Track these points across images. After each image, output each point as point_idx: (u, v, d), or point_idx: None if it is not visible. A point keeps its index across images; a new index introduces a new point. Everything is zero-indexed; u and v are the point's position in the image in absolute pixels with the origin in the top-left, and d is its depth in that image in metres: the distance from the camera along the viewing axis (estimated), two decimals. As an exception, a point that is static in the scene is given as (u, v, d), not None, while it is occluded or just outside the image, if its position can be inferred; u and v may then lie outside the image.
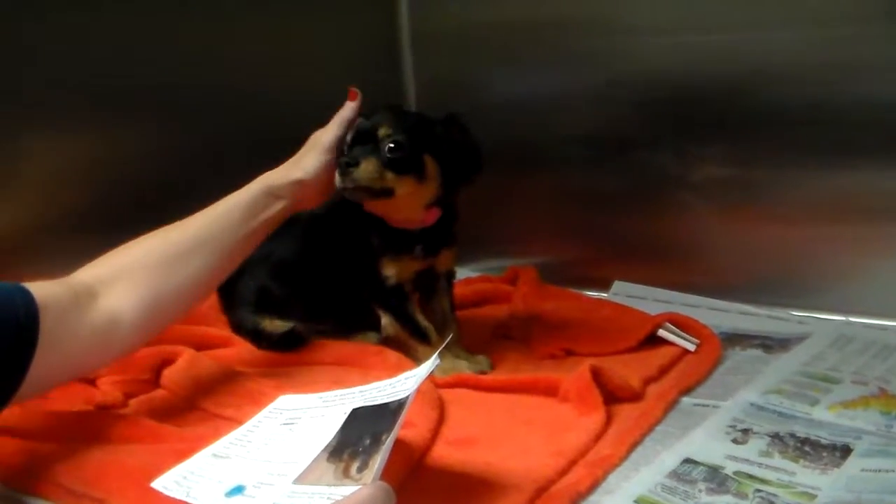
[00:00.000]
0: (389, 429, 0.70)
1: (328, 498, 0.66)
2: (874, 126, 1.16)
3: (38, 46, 1.11)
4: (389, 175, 0.99)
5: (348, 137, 1.02)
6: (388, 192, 1.00)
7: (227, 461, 0.79)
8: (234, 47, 1.34)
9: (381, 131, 0.99)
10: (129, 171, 1.23)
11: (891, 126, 1.15)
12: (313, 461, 0.72)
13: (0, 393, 0.80)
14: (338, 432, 0.75)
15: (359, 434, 0.73)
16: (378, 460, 0.67)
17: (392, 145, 0.99)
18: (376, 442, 0.70)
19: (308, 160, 1.03)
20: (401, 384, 0.77)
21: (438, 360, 0.76)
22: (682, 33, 1.29)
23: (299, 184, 1.02)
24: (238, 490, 0.73)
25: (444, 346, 0.90)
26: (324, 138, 1.04)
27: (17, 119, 1.09)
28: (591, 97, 1.39)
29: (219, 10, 1.33)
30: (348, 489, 0.66)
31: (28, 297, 0.82)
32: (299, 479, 0.71)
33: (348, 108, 1.05)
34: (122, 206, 1.20)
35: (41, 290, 0.83)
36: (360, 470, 0.68)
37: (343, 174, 0.98)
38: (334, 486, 0.68)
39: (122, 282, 0.90)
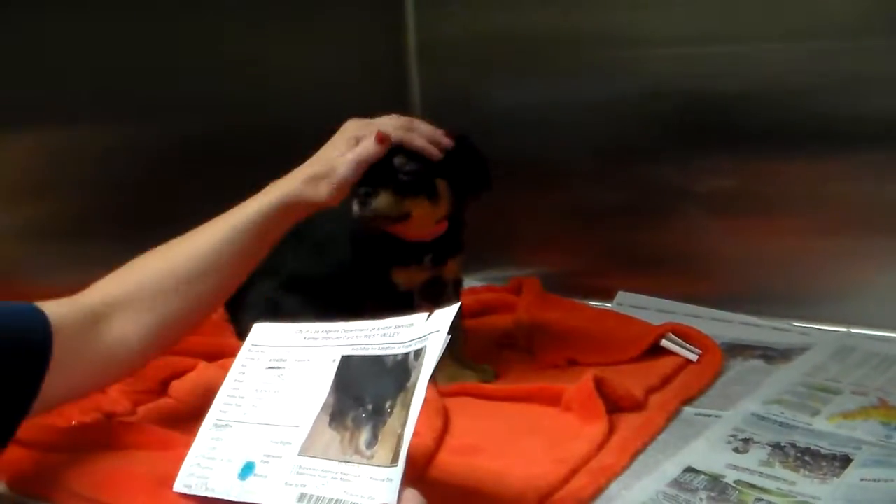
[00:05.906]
0: (394, 396, 0.70)
1: (341, 479, 0.67)
2: (878, 139, 1.17)
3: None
4: (406, 202, 1.00)
5: None
6: (404, 217, 1.01)
7: (228, 430, 0.79)
8: (240, 57, 1.35)
9: (397, 159, 1.00)
10: (124, 174, 1.24)
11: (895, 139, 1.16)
12: (314, 425, 0.73)
13: (12, 415, 0.82)
14: (332, 387, 0.75)
15: (356, 393, 0.73)
16: (403, 447, 0.66)
17: (407, 173, 1.00)
18: (379, 411, 0.70)
19: (327, 188, 0.95)
20: (391, 332, 0.76)
21: (430, 318, 0.75)
22: (687, 45, 1.30)
23: (317, 206, 0.97)
24: (249, 469, 0.74)
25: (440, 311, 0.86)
26: (342, 172, 0.95)
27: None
28: (597, 108, 1.40)
29: (224, 18, 1.34)
30: (360, 468, 0.67)
31: (43, 320, 0.84)
32: (304, 450, 0.72)
33: (373, 151, 0.96)
34: (118, 212, 1.23)
35: (55, 312, 0.85)
36: (369, 445, 0.68)
37: (362, 204, 0.99)
38: (344, 461, 0.69)
39: (131, 307, 0.91)
